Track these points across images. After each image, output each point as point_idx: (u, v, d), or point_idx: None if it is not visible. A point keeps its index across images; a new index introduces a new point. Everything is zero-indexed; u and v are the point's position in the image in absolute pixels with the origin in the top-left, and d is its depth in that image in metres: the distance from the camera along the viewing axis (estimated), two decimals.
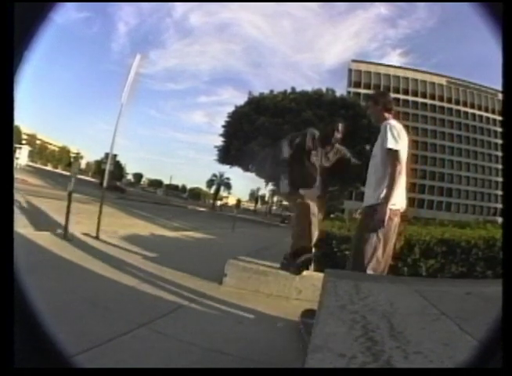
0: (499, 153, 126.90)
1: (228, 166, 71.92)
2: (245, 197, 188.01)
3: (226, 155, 65.59)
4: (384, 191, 4.69)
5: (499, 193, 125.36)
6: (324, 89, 65.67)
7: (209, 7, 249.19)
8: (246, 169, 68.98)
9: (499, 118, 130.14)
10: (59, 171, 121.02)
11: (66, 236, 9.80)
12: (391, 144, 4.75)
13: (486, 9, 1.80)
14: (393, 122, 4.97)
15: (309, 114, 55.72)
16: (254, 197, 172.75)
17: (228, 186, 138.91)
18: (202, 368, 3.47)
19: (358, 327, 1.91)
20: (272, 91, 66.24)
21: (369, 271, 4.50)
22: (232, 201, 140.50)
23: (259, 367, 3.63)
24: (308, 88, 76.29)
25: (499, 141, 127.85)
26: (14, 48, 1.26)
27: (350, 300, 2.47)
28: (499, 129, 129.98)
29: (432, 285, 4.00)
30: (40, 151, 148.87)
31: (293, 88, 65.81)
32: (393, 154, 4.76)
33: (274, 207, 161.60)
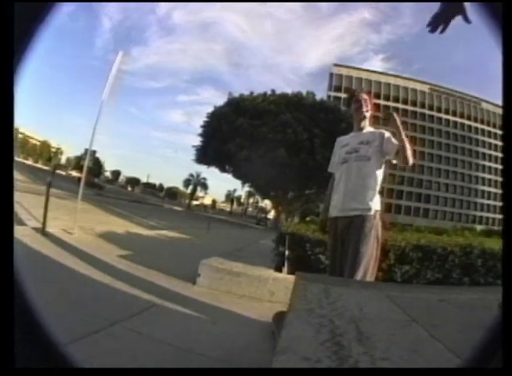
0: (480, 161, 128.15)
1: (205, 166, 72.13)
2: (221, 198, 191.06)
3: (204, 155, 65.95)
4: (377, 197, 4.66)
5: (479, 200, 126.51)
6: (304, 92, 66.40)
7: (193, 5, 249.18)
8: (223, 170, 69.83)
9: (481, 126, 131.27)
10: (39, 165, 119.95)
11: (44, 231, 9.80)
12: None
13: (486, 9, 1.82)
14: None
15: (288, 117, 56.71)
16: (230, 197, 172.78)
17: (204, 187, 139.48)
18: (202, 368, 3.49)
19: (326, 331, 1.91)
20: (252, 92, 66.94)
21: (371, 278, 4.45)
22: (208, 201, 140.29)
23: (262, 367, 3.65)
24: (288, 90, 76.92)
25: (480, 149, 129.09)
26: (14, 48, 1.27)
27: (319, 304, 2.46)
28: (480, 137, 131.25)
29: (405, 291, 3.95)
30: (21, 145, 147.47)
31: (273, 91, 66.65)
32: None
33: (250, 209, 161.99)
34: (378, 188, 4.69)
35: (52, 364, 1.50)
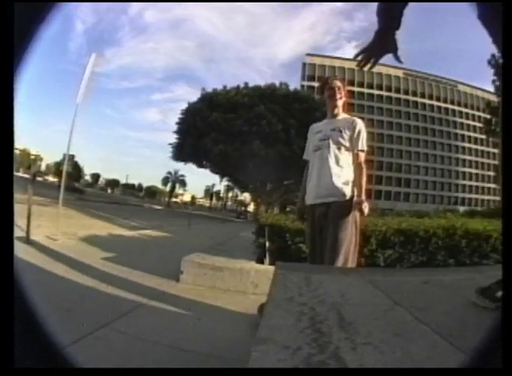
0: (459, 143, 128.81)
1: (182, 163, 72.22)
2: (200, 194, 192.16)
3: (180, 152, 65.82)
4: (352, 183, 4.67)
5: (459, 182, 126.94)
6: (278, 84, 66.42)
7: (163, 3, 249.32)
8: (200, 165, 70.25)
9: (458, 108, 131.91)
10: (20, 174, 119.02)
11: (29, 239, 9.71)
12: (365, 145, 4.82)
13: (486, 9, 1.83)
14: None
15: (262, 109, 56.93)
16: (209, 193, 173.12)
17: (183, 183, 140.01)
18: (201, 368, 3.46)
19: (306, 318, 1.91)
20: (225, 86, 66.79)
21: (352, 264, 4.47)
22: (187, 198, 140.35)
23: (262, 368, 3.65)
24: (262, 82, 76.95)
25: (458, 131, 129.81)
26: (14, 49, 1.26)
27: (299, 292, 2.45)
28: (458, 119, 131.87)
29: (388, 275, 3.88)
30: None
31: (246, 84, 66.62)
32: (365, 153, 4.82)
33: (229, 203, 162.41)
34: (352, 175, 4.71)
35: (52, 364, 1.50)
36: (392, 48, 2.93)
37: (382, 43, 2.95)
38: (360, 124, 4.80)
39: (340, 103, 4.96)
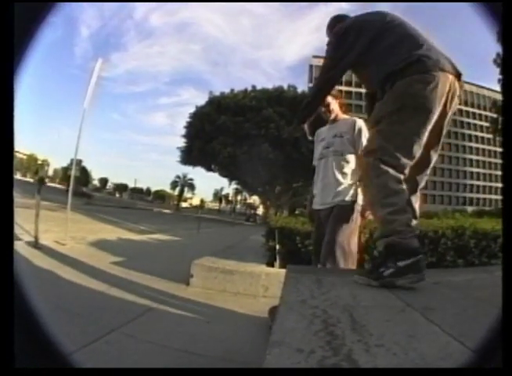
0: (466, 143, 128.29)
1: (191, 167, 72.11)
2: (209, 197, 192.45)
3: (189, 156, 65.85)
4: (354, 189, 4.68)
5: (467, 182, 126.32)
6: (285, 86, 66.20)
7: (169, 6, 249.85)
8: (208, 169, 70.01)
9: (465, 108, 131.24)
10: (27, 179, 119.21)
11: (37, 244, 9.75)
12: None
13: (486, 9, 1.83)
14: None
15: (270, 112, 56.95)
16: (218, 196, 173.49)
17: (191, 187, 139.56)
18: (202, 368, 3.51)
19: (319, 321, 1.90)
20: (232, 90, 66.87)
21: (351, 265, 4.44)
22: (196, 202, 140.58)
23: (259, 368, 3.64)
24: (269, 85, 76.85)
25: (466, 131, 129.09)
26: (14, 49, 1.26)
27: (311, 295, 2.44)
28: (465, 119, 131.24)
29: None
30: None
31: (253, 87, 66.58)
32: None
33: (238, 206, 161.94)
34: (355, 180, 4.72)
35: (52, 364, 1.50)
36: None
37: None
38: (360, 124, 4.80)
39: (335, 106, 5.00)
